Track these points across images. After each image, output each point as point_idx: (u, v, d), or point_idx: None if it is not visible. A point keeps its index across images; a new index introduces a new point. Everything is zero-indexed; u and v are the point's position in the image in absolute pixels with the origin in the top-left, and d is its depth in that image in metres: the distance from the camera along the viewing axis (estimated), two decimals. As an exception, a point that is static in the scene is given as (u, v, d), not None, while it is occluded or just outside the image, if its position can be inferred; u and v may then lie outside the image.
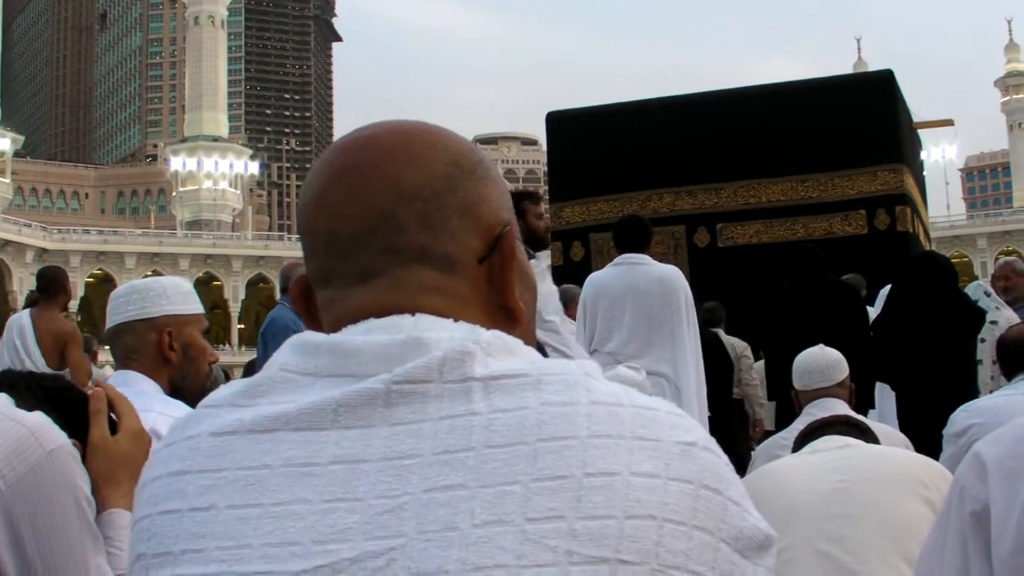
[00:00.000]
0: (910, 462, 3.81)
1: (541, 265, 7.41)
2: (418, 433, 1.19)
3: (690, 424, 1.25)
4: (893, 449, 4.14)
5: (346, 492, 1.17)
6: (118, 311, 3.73)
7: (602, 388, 1.23)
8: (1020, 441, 1.58)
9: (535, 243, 7.50)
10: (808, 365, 5.57)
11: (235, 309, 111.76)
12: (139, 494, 1.31)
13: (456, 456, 1.16)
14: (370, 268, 1.33)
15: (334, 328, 1.32)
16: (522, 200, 7.54)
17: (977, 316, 8.48)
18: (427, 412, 1.20)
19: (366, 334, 1.27)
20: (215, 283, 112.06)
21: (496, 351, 1.25)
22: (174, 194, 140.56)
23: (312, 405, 1.22)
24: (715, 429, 7.93)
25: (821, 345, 5.75)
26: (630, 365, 6.46)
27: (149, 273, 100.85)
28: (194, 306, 3.84)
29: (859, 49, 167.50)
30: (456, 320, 1.30)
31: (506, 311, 1.39)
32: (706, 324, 11.31)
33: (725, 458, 1.25)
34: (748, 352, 11.96)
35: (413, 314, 1.29)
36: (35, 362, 9.24)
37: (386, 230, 1.33)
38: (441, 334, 1.25)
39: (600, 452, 1.16)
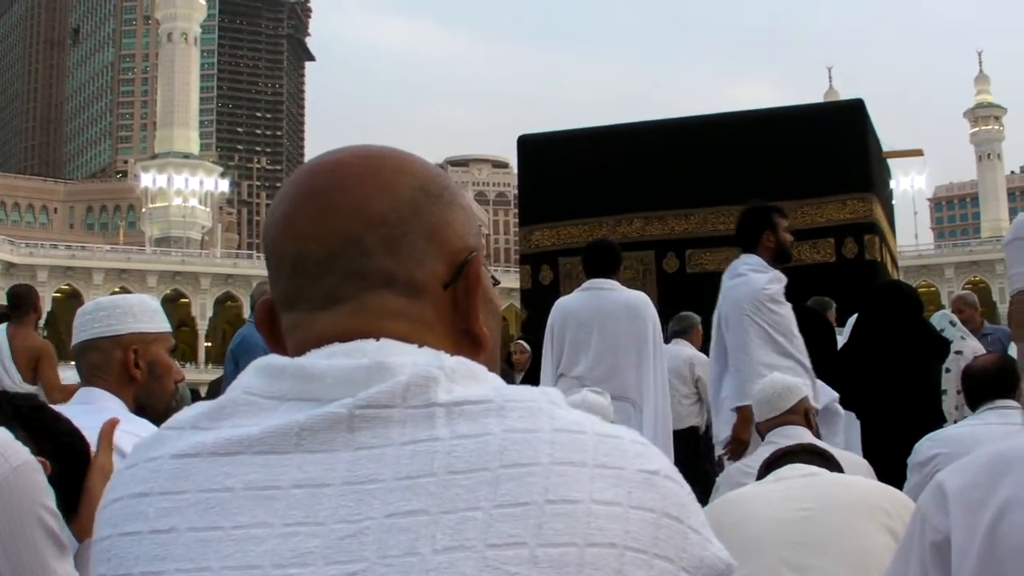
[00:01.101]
0: (873, 491, 3.80)
1: (780, 284, 7.42)
2: (380, 458, 1.19)
3: (653, 452, 1.25)
4: (856, 478, 4.12)
5: (307, 516, 1.17)
6: (84, 328, 3.72)
7: (565, 415, 1.23)
8: (981, 472, 1.59)
9: (784, 257, 7.52)
10: (758, 396, 5.60)
11: (203, 327, 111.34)
12: (100, 515, 1.30)
13: (418, 481, 1.16)
14: (336, 293, 1.33)
15: (299, 352, 1.32)
16: (771, 214, 7.55)
17: (941, 345, 8.52)
18: (390, 437, 1.20)
19: (330, 358, 1.27)
20: (183, 300, 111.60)
21: (460, 377, 1.25)
22: (143, 210, 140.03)
23: (275, 428, 1.22)
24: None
25: (773, 374, 5.77)
26: (594, 389, 6.47)
27: (117, 289, 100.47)
28: (160, 324, 3.83)
29: (830, 78, 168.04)
30: (420, 346, 1.30)
31: (470, 337, 1.39)
32: (674, 335, 11.27)
33: (687, 487, 1.25)
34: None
35: (378, 339, 1.29)
36: (12, 378, 9.27)
37: (352, 255, 1.33)
38: (405, 359, 1.25)
39: (562, 479, 1.16)
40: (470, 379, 1.26)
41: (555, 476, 1.16)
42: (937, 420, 7.78)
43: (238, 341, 9.41)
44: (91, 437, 2.82)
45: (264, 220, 1.43)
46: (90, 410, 3.41)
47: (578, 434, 1.21)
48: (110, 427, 2.89)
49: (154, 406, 3.73)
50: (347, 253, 1.33)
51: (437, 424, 1.20)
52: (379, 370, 1.24)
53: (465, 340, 1.39)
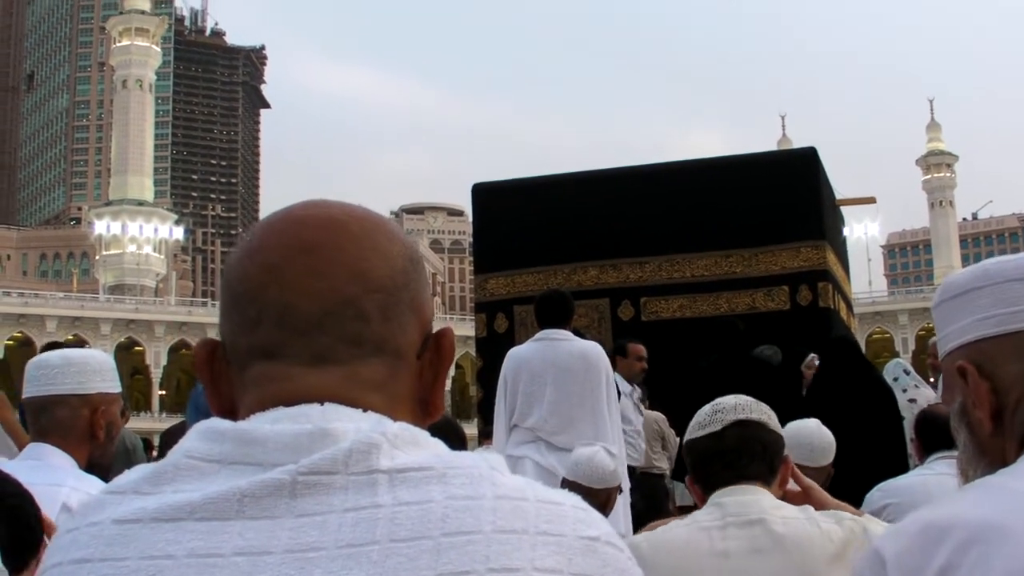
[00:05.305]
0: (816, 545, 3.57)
1: None
2: (323, 525, 1.18)
3: (594, 518, 1.26)
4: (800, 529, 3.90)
5: None
6: (51, 381, 3.69)
7: (507, 482, 1.24)
8: (918, 536, 1.59)
9: None
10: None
11: (156, 375, 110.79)
12: None
13: (360, 550, 1.16)
14: (327, 353, 1.33)
15: (266, 404, 1.31)
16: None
17: (891, 398, 8.59)
18: (332, 504, 1.19)
19: (274, 423, 1.27)
20: (137, 348, 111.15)
21: (402, 443, 1.25)
22: (97, 258, 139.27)
23: (217, 494, 1.21)
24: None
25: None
26: (609, 449, 6.44)
27: (70, 337, 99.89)
28: (118, 384, 3.85)
29: (783, 126, 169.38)
30: (365, 410, 1.30)
31: (424, 406, 1.41)
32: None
33: (628, 552, 1.26)
34: (668, 426, 12.00)
35: (322, 403, 1.29)
36: None
37: (349, 317, 1.33)
38: (348, 425, 1.25)
39: (504, 547, 1.17)
40: (412, 445, 1.26)
41: (497, 544, 1.17)
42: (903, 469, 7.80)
43: (200, 387, 9.42)
44: (38, 493, 2.80)
45: (236, 264, 1.40)
46: (39, 466, 3.39)
47: (520, 501, 1.22)
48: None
49: (103, 464, 3.72)
50: (343, 315, 1.33)
51: (379, 491, 1.20)
52: (322, 436, 1.24)
53: (419, 408, 1.40)
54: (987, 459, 1.78)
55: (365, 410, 1.30)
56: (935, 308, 1.88)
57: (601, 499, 5.96)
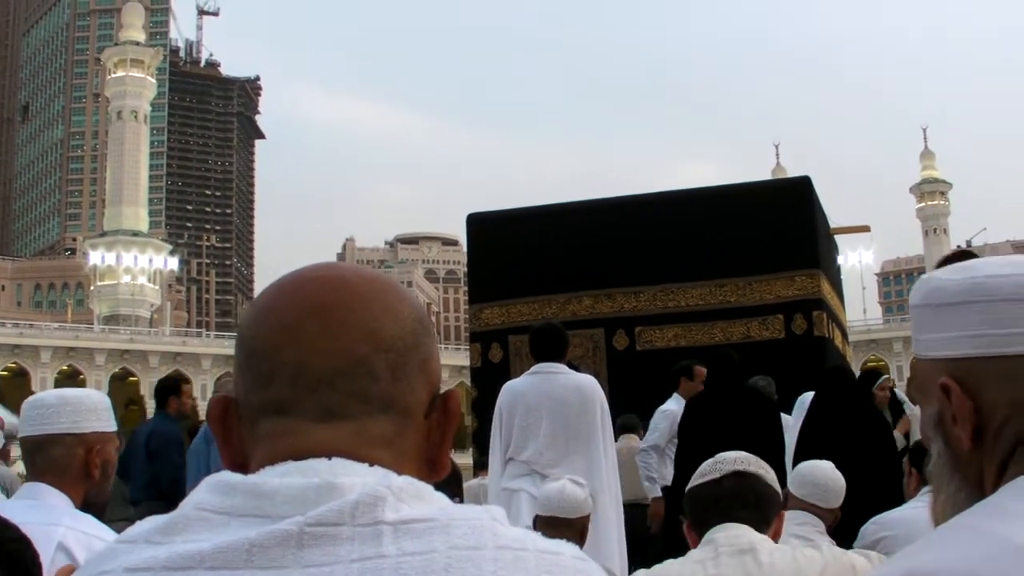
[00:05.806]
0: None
1: None
2: None
3: (592, 568, 1.28)
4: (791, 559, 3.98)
5: None
6: (46, 420, 3.69)
7: (508, 533, 1.26)
8: None
9: None
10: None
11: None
12: None
13: None
14: (337, 408, 1.35)
15: (276, 458, 1.33)
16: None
17: (887, 428, 8.58)
18: (338, 555, 1.21)
19: (283, 476, 1.29)
20: (131, 379, 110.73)
21: (407, 496, 1.27)
22: (92, 288, 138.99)
23: (226, 544, 1.23)
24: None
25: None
26: (575, 479, 6.44)
27: (64, 367, 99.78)
28: (114, 423, 3.85)
29: (777, 155, 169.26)
30: (371, 465, 1.32)
31: (431, 464, 1.43)
32: (622, 431, 11.51)
33: None
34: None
35: (330, 458, 1.31)
36: None
37: (360, 375, 1.35)
38: (355, 479, 1.27)
39: None
40: (417, 499, 1.28)
41: None
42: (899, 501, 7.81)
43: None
44: (34, 533, 2.80)
45: (250, 324, 1.43)
46: (35, 506, 3.40)
47: (520, 551, 1.23)
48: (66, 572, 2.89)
49: (99, 503, 3.73)
50: (354, 373, 1.36)
51: (384, 542, 1.22)
52: (329, 490, 1.26)
53: (426, 467, 1.42)
54: (961, 475, 1.75)
55: (372, 465, 1.32)
56: (917, 307, 1.79)
57: (578, 528, 5.97)
